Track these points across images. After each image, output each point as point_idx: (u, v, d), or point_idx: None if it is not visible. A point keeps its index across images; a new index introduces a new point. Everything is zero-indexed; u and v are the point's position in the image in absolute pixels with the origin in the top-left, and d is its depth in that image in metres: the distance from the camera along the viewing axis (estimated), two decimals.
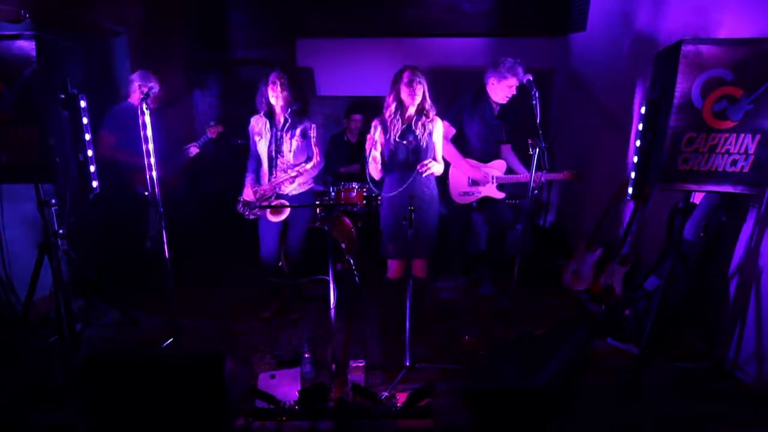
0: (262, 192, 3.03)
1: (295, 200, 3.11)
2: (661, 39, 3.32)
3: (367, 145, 2.75)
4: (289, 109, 2.98)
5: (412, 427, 2.23)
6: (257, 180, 3.10)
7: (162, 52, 4.64)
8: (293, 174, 2.96)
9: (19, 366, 2.64)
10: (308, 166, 2.95)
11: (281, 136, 3.00)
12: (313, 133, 2.99)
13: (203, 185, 4.89)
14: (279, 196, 3.06)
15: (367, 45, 5.08)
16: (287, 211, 3.05)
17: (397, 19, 5.02)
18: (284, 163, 3.02)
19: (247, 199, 3.08)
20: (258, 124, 3.04)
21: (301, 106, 3.06)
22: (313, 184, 3.25)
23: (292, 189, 3.08)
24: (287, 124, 2.99)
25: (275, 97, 2.91)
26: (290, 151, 3.01)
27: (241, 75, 5.20)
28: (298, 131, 3.00)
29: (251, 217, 3.09)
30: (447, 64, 5.00)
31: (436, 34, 5.06)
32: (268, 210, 3.02)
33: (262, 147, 3.02)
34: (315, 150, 3.00)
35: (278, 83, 2.90)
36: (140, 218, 3.63)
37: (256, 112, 3.05)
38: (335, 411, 2.29)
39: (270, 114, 3.00)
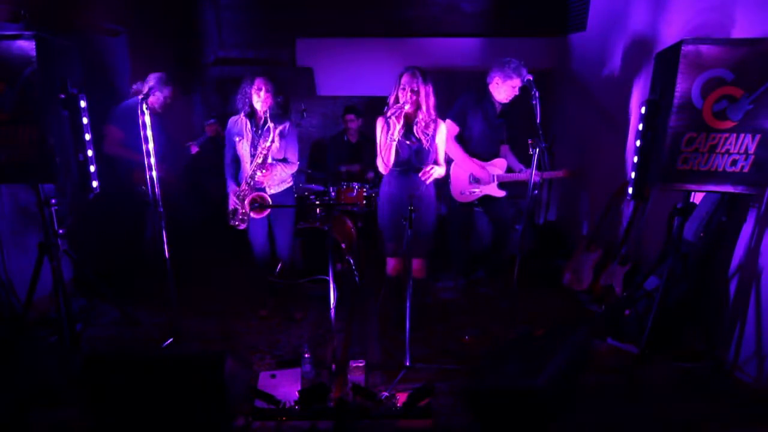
0: (242, 192, 3.03)
1: (276, 200, 3.10)
2: (660, 39, 3.32)
3: (383, 138, 2.74)
4: (270, 111, 2.98)
5: (412, 427, 2.24)
6: (238, 184, 3.09)
7: (161, 52, 4.64)
8: (259, 160, 2.93)
9: (19, 366, 2.64)
10: (266, 143, 2.90)
11: (261, 135, 3.00)
12: (291, 129, 3.05)
13: (203, 185, 4.88)
14: (258, 189, 3.05)
15: (367, 45, 5.08)
16: (267, 211, 3.01)
17: (397, 19, 5.02)
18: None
19: (231, 207, 3.07)
20: (237, 124, 3.03)
21: (282, 109, 3.08)
22: (292, 183, 3.23)
23: (272, 182, 3.07)
24: (267, 124, 2.98)
25: (260, 102, 2.93)
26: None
27: (241, 75, 5.20)
28: (277, 131, 2.99)
29: (242, 226, 3.08)
30: (446, 63, 5.00)
31: (436, 34, 5.06)
32: (250, 210, 3.00)
33: (244, 147, 3.01)
34: (290, 150, 3.06)
35: (263, 89, 2.92)
36: (141, 218, 3.63)
37: (234, 111, 3.05)
38: (335, 411, 2.29)
39: (251, 114, 3.01)
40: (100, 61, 3.91)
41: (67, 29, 3.51)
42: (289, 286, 3.42)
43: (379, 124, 2.79)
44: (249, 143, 3.00)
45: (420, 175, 2.76)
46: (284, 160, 3.07)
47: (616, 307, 3.15)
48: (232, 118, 3.05)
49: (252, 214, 3.03)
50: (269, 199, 3.02)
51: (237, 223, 3.07)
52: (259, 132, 3.00)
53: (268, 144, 2.91)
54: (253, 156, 2.98)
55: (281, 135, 3.01)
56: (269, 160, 2.99)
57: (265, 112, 2.96)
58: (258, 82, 2.93)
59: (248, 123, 3.00)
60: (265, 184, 3.06)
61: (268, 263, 3.30)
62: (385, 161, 2.77)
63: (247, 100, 2.96)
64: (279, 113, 3.05)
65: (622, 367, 2.74)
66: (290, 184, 3.22)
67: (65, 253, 2.68)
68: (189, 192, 4.10)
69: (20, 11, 2.98)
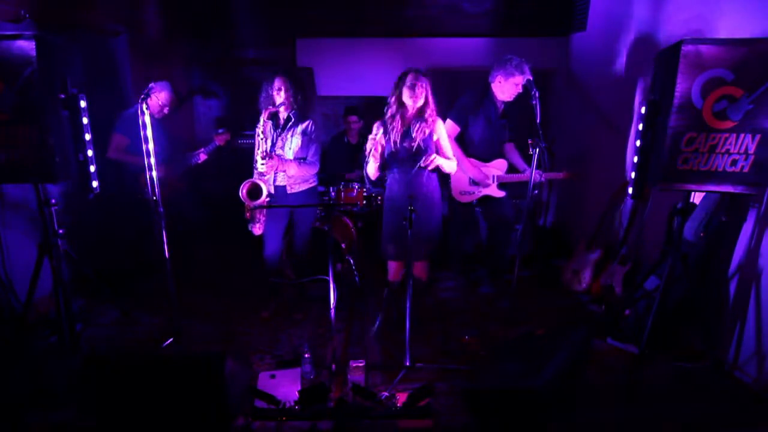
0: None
1: (299, 198, 3.11)
2: (661, 39, 3.32)
3: (368, 145, 2.74)
4: (293, 110, 3.02)
5: (412, 427, 2.23)
6: None
7: (162, 52, 4.64)
8: (258, 149, 2.94)
9: (19, 366, 2.64)
10: (259, 130, 2.94)
11: (284, 135, 3.03)
12: (313, 129, 3.06)
13: (205, 186, 4.88)
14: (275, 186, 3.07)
15: (367, 45, 5.08)
16: (264, 196, 2.96)
17: (397, 19, 5.02)
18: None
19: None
20: (263, 126, 3.05)
21: (304, 109, 3.08)
22: (315, 182, 3.24)
23: (292, 180, 3.07)
24: (290, 123, 3.03)
25: (281, 102, 2.95)
26: (290, 149, 3.04)
27: (241, 75, 5.21)
28: (299, 129, 3.04)
29: (256, 231, 3.08)
30: (447, 64, 5.00)
31: (436, 34, 5.06)
32: (246, 195, 2.95)
33: (267, 147, 3.03)
34: (312, 150, 3.07)
35: (283, 89, 2.94)
36: (145, 220, 3.61)
37: (258, 112, 3.05)
38: (335, 411, 2.29)
39: (274, 115, 3.03)
40: (101, 61, 3.91)
41: (68, 29, 3.52)
42: (289, 286, 3.42)
43: (376, 126, 2.77)
44: (271, 143, 3.02)
45: (421, 163, 2.73)
46: (304, 159, 3.07)
47: (616, 307, 3.15)
48: (259, 124, 3.05)
49: (247, 203, 2.96)
50: (263, 186, 2.95)
51: (251, 225, 3.06)
52: (282, 132, 3.02)
53: (260, 131, 2.93)
54: (272, 154, 3.01)
55: (303, 133, 3.03)
56: (289, 156, 3.01)
57: (287, 110, 2.99)
58: (277, 81, 2.94)
59: (271, 123, 3.03)
60: (287, 182, 3.06)
61: (275, 264, 3.31)
62: (368, 172, 2.84)
63: (269, 102, 2.98)
64: (301, 112, 3.05)
65: (622, 367, 2.74)
66: (313, 184, 3.21)
67: (65, 254, 2.68)
68: (190, 193, 4.09)
69: (20, 11, 2.98)
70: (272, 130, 3.04)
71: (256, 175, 2.99)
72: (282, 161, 3.00)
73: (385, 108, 2.79)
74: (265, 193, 2.95)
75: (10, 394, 2.42)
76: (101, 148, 3.31)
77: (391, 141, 2.77)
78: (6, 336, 2.77)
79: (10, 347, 2.71)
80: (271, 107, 2.96)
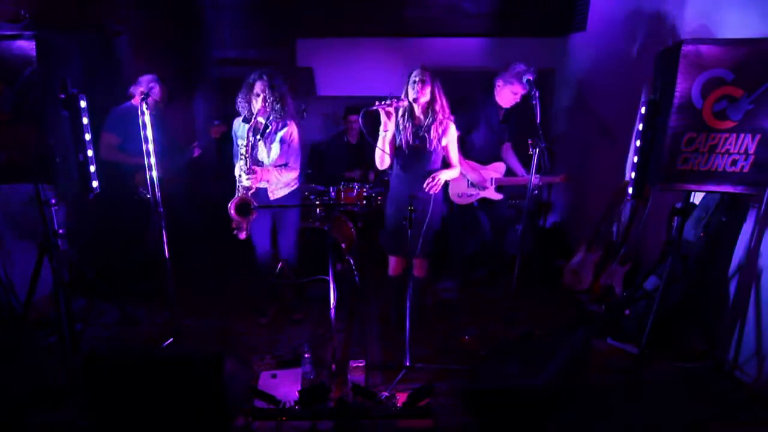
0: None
1: (281, 202, 3.05)
2: (661, 39, 3.31)
3: (385, 108, 2.61)
4: (271, 117, 2.87)
5: (412, 427, 2.24)
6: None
7: (162, 52, 4.64)
8: (241, 162, 2.81)
9: (19, 366, 2.64)
10: (243, 141, 2.80)
11: (264, 141, 2.90)
12: (293, 135, 2.93)
13: (203, 187, 4.88)
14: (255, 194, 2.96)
15: (367, 45, 5.08)
16: (252, 211, 2.87)
17: (397, 19, 5.02)
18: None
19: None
20: (240, 127, 2.92)
21: (285, 114, 2.89)
22: (297, 185, 3.17)
23: (274, 185, 2.99)
24: (269, 130, 2.89)
25: (258, 108, 2.79)
26: (269, 157, 2.93)
27: (241, 76, 5.19)
28: (278, 136, 2.91)
29: (241, 235, 2.95)
30: (447, 64, 4.99)
31: (436, 34, 5.06)
32: (237, 215, 2.86)
33: (248, 160, 2.85)
34: (292, 156, 2.96)
35: (263, 95, 2.78)
36: (142, 220, 3.63)
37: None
38: (335, 411, 2.29)
39: (251, 118, 2.84)
40: (101, 61, 3.91)
41: (68, 29, 3.51)
42: (289, 287, 3.42)
43: (382, 115, 2.68)
44: (251, 146, 2.86)
45: (424, 186, 2.71)
46: (285, 165, 2.97)
47: (616, 307, 3.15)
48: (236, 120, 2.95)
49: (238, 219, 2.85)
50: (252, 200, 2.85)
51: (236, 232, 2.96)
52: (260, 138, 2.88)
53: (244, 142, 2.79)
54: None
55: (282, 141, 2.91)
56: (267, 163, 2.93)
57: (264, 118, 2.84)
58: (258, 86, 2.79)
59: (250, 129, 2.87)
60: (268, 188, 2.98)
61: (269, 266, 3.28)
62: (379, 158, 2.77)
63: (247, 104, 2.84)
64: (281, 117, 2.88)
65: (622, 367, 2.74)
66: (295, 186, 3.14)
67: (65, 254, 2.68)
68: (189, 193, 4.09)
69: (20, 11, 2.98)
70: (251, 136, 2.84)
71: (240, 189, 2.87)
72: (264, 171, 2.88)
73: (388, 100, 2.71)
74: (253, 209, 2.86)
75: (10, 394, 2.42)
76: (97, 153, 3.30)
77: (401, 138, 2.75)
78: (6, 336, 2.77)
79: (10, 347, 2.71)
80: (246, 113, 2.84)
